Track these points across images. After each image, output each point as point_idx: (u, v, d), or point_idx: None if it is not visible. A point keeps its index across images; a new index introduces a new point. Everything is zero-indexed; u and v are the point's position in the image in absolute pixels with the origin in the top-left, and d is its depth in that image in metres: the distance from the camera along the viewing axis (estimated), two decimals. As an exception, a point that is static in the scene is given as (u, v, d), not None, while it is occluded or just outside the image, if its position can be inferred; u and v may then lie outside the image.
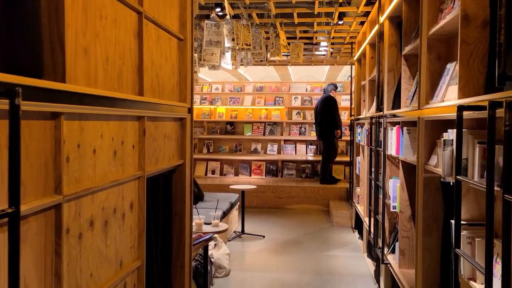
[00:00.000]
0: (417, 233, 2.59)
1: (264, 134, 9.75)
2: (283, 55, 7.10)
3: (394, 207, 3.31)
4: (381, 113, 3.91)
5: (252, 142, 9.28)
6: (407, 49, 3.14)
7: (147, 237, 2.12)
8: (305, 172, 8.37)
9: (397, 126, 3.25)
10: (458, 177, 1.75)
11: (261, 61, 6.00)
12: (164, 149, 2.44)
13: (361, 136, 5.29)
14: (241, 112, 10.27)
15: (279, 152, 9.12)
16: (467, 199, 2.04)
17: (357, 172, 5.77)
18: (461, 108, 1.74)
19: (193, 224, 3.54)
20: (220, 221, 5.20)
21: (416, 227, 2.62)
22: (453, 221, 1.92)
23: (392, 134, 3.37)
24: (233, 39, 4.34)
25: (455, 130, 1.96)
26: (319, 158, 7.98)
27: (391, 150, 3.41)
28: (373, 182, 4.17)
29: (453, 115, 2.00)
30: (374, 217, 3.98)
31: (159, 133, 2.34)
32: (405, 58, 3.25)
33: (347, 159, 8.14)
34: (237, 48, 4.89)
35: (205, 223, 3.61)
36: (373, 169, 4.27)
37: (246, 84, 10.85)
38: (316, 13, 4.83)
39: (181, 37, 2.66)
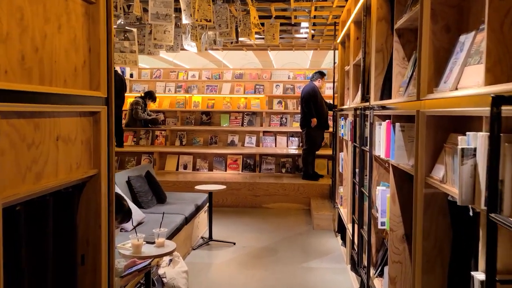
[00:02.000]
0: (414, 269, 1.91)
1: (242, 125, 9.05)
2: (258, 38, 6.37)
3: (383, 224, 2.63)
4: (367, 103, 3.22)
5: (229, 134, 8.55)
6: (400, 22, 2.43)
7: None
8: (285, 166, 7.68)
9: (387, 121, 2.55)
10: (492, 215, 1.05)
11: (231, 43, 5.25)
12: (57, 157, 1.70)
13: (345, 130, 4.60)
14: (219, 101, 9.55)
15: (257, 145, 8.41)
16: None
17: (340, 170, 5.09)
18: (499, 100, 1.03)
19: (129, 245, 2.82)
20: (184, 226, 4.50)
21: (413, 261, 1.93)
22: (477, 275, 1.23)
23: (381, 131, 2.68)
24: (191, 15, 3.60)
25: (479, 134, 1.26)
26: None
27: (380, 151, 2.72)
28: (357, 186, 3.48)
29: (474, 110, 1.30)
30: (358, 230, 3.31)
31: (44, 135, 1.61)
32: (398, 33, 2.54)
33: (330, 152, 7.47)
34: (196, 25, 4.15)
35: (148, 242, 2.89)
36: (357, 171, 3.59)
37: (225, 71, 10.10)
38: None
39: (90, -2, 1.91)
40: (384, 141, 2.59)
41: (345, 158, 4.78)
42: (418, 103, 1.88)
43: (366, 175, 3.20)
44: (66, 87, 1.76)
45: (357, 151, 3.53)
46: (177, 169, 7.81)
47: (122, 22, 3.23)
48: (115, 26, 3.21)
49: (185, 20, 3.70)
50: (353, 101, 4.25)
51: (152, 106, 9.41)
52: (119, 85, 7.74)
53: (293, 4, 4.72)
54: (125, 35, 3.30)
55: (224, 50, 9.62)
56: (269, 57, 11.61)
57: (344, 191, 4.84)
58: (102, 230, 1.99)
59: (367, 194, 2.88)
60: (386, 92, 2.91)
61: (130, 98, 8.80)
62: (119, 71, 9.49)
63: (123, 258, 2.84)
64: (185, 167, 7.81)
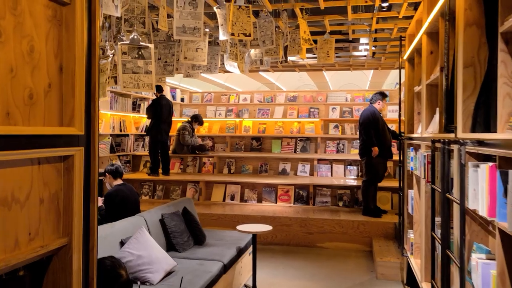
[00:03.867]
0: None
1: (295, 152, 8.38)
2: (312, 57, 5.71)
3: (486, 312, 1.83)
4: (451, 135, 2.44)
5: (281, 162, 7.89)
6: (510, 23, 1.68)
7: None
8: (342, 199, 6.86)
9: (490, 164, 1.77)
10: None
11: (280, 62, 4.63)
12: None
13: (416, 164, 3.78)
14: (270, 125, 8.99)
15: (311, 174, 7.67)
16: None
17: (409, 211, 4.24)
18: None
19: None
20: (222, 275, 3.86)
21: None
22: None
23: (479, 177, 1.90)
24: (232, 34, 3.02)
25: None
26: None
27: (476, 204, 1.94)
28: (437, 241, 2.67)
29: None
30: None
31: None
32: (505, 39, 1.78)
33: (395, 184, 6.57)
34: (236, 42, 3.58)
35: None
36: (437, 220, 2.78)
37: (278, 93, 9.54)
38: (349, -11, 3.41)
39: (61, -3, 1.36)
40: (485, 192, 1.81)
41: (415, 198, 3.94)
42: None
43: (452, 234, 2.41)
44: (10, 123, 1.19)
45: (437, 195, 2.74)
46: (224, 199, 7.23)
47: (136, 37, 2.73)
48: (126, 42, 2.71)
49: (222, 36, 3.15)
50: (427, 130, 3.45)
51: (201, 131, 9.01)
52: (166, 110, 7.40)
53: (350, 16, 4.04)
54: (139, 53, 2.78)
55: (276, 72, 9.05)
56: (325, 78, 10.91)
57: (415, 237, 3.98)
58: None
59: (458, 264, 2.07)
60: (481, 121, 2.13)
61: (179, 123, 8.42)
62: (169, 95, 9.23)
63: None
64: (232, 198, 7.21)
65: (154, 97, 7.54)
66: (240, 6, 3.09)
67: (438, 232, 2.69)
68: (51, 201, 1.35)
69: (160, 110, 7.32)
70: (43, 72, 1.32)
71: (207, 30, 3.35)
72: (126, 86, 2.71)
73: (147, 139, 8.19)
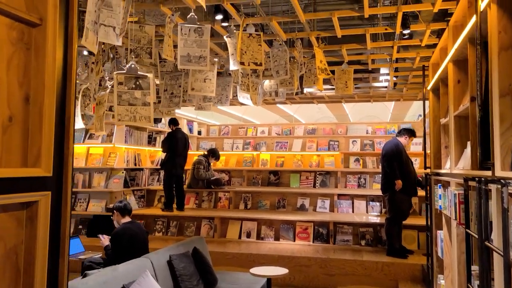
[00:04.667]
0: None
1: (314, 186, 8.07)
2: (330, 89, 5.49)
3: None
4: (487, 173, 2.14)
5: (299, 197, 7.57)
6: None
7: None
8: (365, 238, 6.46)
9: (542, 209, 1.47)
10: None
11: (296, 94, 4.41)
12: None
13: (445, 203, 3.45)
14: (289, 159, 8.73)
15: (331, 210, 7.31)
16: None
17: (439, 254, 3.87)
18: None
19: None
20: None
21: None
22: None
23: (528, 225, 1.59)
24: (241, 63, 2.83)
25: None
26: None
27: (525, 257, 1.62)
28: (476, 297, 2.33)
29: None
30: None
31: None
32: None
33: (422, 222, 6.17)
34: (248, 73, 3.39)
35: None
36: (473, 270, 2.44)
37: (297, 126, 9.33)
38: (367, 16, 3.21)
39: (29, 17, 1.17)
40: (536, 243, 1.50)
41: (446, 240, 3.58)
42: None
43: (492, 279, 2.08)
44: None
45: (473, 241, 2.41)
46: (239, 237, 6.92)
47: (133, 66, 2.55)
48: (123, 71, 2.54)
49: (232, 66, 2.97)
50: (457, 165, 3.14)
51: (218, 164, 8.81)
52: (182, 143, 7.25)
53: (369, 45, 3.83)
54: (137, 83, 2.59)
55: (294, 104, 8.87)
56: (345, 110, 10.67)
57: (446, 284, 3.60)
58: None
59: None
60: (524, 157, 1.84)
61: (195, 156, 8.25)
62: (186, 128, 9.12)
63: None
64: (248, 235, 6.89)
65: (170, 130, 7.42)
66: (250, 34, 2.92)
67: (476, 283, 2.35)
68: (7, 257, 1.12)
69: (176, 143, 7.17)
70: (2, 103, 1.12)
71: (216, 59, 3.19)
72: (121, 119, 2.52)
73: (162, 173, 8.02)
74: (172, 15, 2.62)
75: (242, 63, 2.89)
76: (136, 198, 7.71)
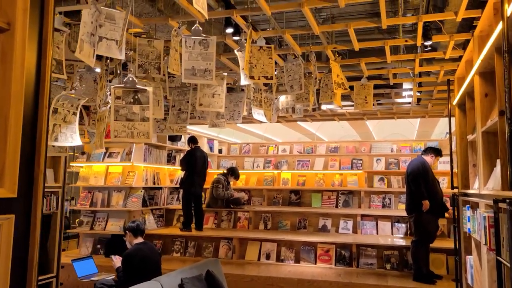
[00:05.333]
0: None
1: (336, 206, 7.82)
2: (348, 105, 5.29)
3: None
4: (520, 193, 1.91)
5: (321, 217, 7.32)
6: None
7: None
8: (390, 261, 6.15)
9: None
10: None
11: (313, 110, 4.23)
12: None
13: (474, 226, 3.19)
14: (310, 178, 8.52)
15: (354, 231, 7.03)
16: None
17: (469, 281, 3.58)
18: None
19: None
20: None
21: None
22: None
23: None
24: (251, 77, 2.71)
25: None
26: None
27: None
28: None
29: None
30: None
31: None
32: None
33: (450, 245, 5.83)
34: (260, 88, 3.26)
35: None
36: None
37: (319, 144, 9.13)
38: (384, 27, 3.04)
39: (-5, 22, 1.07)
40: None
41: (476, 266, 3.31)
42: None
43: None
44: None
45: (505, 269, 2.16)
46: (258, 258, 6.70)
47: (131, 79, 2.45)
48: (121, 85, 2.44)
49: (243, 80, 2.85)
50: (486, 186, 2.90)
51: (238, 183, 8.67)
52: (200, 161, 7.16)
53: (389, 58, 3.64)
54: (136, 97, 2.48)
55: (315, 121, 8.68)
56: (368, 128, 10.41)
57: (477, 315, 3.30)
58: None
59: None
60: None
61: (215, 175, 8.14)
62: (206, 147, 9.05)
63: None
64: (267, 257, 6.67)
65: (189, 148, 7.36)
66: (261, 47, 2.80)
67: (510, 318, 2.09)
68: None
69: (194, 162, 7.08)
70: (-40, 115, 1.01)
71: (225, 74, 3.08)
72: (118, 135, 2.41)
73: (181, 192, 7.93)
74: (179, 27, 2.53)
75: (252, 77, 2.76)
76: (155, 217, 7.62)
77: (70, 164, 8.40)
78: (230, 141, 10.39)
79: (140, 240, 4.28)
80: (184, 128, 3.71)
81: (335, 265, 6.28)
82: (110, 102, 2.41)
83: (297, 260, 6.53)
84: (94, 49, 2.02)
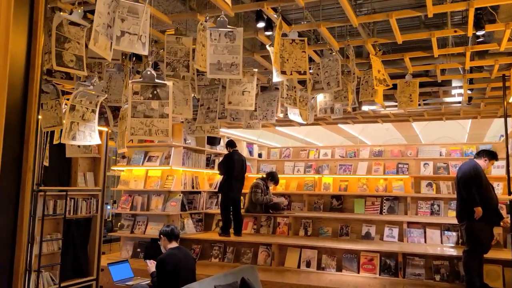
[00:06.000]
0: None
1: (381, 213, 7.48)
2: (392, 105, 4.98)
3: None
4: None
5: (364, 224, 7.00)
6: None
7: None
8: (439, 272, 5.74)
9: None
10: None
11: (353, 110, 3.95)
12: None
13: (537, 235, 2.84)
14: (353, 182, 8.22)
15: (400, 239, 6.65)
16: None
17: (531, 298, 3.20)
18: None
19: None
20: None
21: None
22: None
23: None
24: (282, 72, 2.52)
25: None
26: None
27: None
28: None
29: None
30: None
31: None
32: None
33: (507, 255, 5.37)
34: (294, 85, 3.06)
35: None
36: None
37: (362, 148, 8.81)
38: (430, 15, 2.77)
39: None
40: None
41: (539, 281, 2.94)
42: None
43: None
44: None
45: None
46: (298, 266, 6.47)
47: (149, 73, 2.30)
48: (139, 79, 2.31)
49: (276, 77, 2.68)
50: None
51: (278, 188, 8.50)
52: (239, 165, 7.04)
53: (437, 51, 3.34)
54: (155, 92, 2.34)
55: (356, 124, 8.36)
56: (415, 131, 9.93)
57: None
58: None
59: None
60: None
61: (254, 179, 8.00)
62: (246, 151, 8.94)
63: None
64: (308, 265, 6.43)
65: (227, 152, 7.27)
66: (293, 40, 2.61)
67: None
68: None
69: (232, 165, 6.98)
70: None
71: (255, 70, 2.92)
72: (135, 133, 2.29)
73: (220, 196, 7.84)
74: (206, 21, 2.40)
75: (283, 72, 2.58)
76: (194, 221, 7.58)
77: (111, 168, 8.55)
78: (270, 145, 10.24)
79: (174, 244, 4.19)
80: (216, 130, 3.59)
81: (379, 274, 5.95)
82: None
83: (339, 269, 6.24)
84: (111, 42, 1.93)
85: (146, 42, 2.14)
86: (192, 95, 3.14)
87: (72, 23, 2.06)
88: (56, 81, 2.40)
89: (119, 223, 7.51)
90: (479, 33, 3.03)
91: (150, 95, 2.26)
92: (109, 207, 9.65)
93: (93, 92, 2.32)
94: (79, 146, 2.92)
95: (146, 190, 7.16)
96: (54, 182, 5.30)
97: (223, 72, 2.40)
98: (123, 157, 7.38)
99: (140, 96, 2.25)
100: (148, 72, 2.29)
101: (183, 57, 2.81)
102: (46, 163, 3.19)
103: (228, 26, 2.37)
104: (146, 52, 2.15)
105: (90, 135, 2.26)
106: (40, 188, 5.00)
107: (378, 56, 3.16)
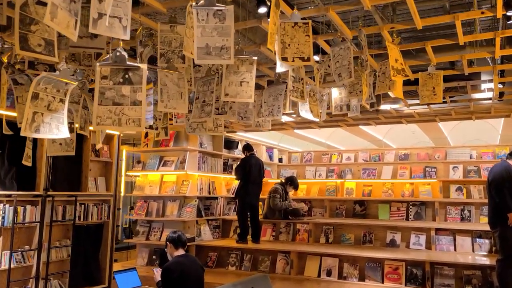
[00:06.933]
0: None
1: (407, 219, 7.09)
2: (415, 103, 4.59)
3: None
4: None
5: (388, 231, 6.61)
6: None
7: None
8: (471, 283, 5.30)
9: None
10: None
11: (371, 106, 3.63)
12: None
13: None
14: (377, 187, 7.85)
15: (428, 247, 6.23)
16: None
17: None
18: None
19: None
20: None
21: None
22: None
23: None
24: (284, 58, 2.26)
25: None
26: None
27: None
28: None
29: None
30: None
31: None
32: None
33: (547, 266, 4.90)
34: (300, 77, 2.78)
35: None
36: None
37: (386, 151, 8.43)
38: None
39: None
40: None
41: None
42: None
43: None
44: None
45: None
46: (318, 275, 6.13)
47: (119, 54, 2.02)
48: (108, 62, 2.05)
49: (279, 67, 2.42)
50: None
51: (298, 193, 8.19)
52: (256, 170, 6.79)
53: (462, 39, 3.00)
54: (126, 76, 2.08)
55: (379, 125, 7.98)
56: (443, 133, 9.44)
57: None
58: None
59: None
60: None
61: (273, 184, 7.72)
62: (265, 155, 8.68)
63: None
64: (328, 273, 6.09)
65: (244, 156, 7.03)
66: (296, 23, 2.34)
67: None
68: None
69: (249, 170, 6.73)
70: None
71: (255, 58, 2.65)
72: (101, 123, 2.02)
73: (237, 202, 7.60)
74: (197, 3, 2.15)
75: (284, 59, 2.31)
76: (210, 228, 7.35)
77: (127, 173, 8.43)
78: (291, 150, 9.94)
79: (181, 252, 3.96)
80: (221, 128, 3.33)
81: (405, 284, 5.56)
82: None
83: (362, 278, 5.88)
84: (76, 20, 1.71)
85: (127, 26, 1.92)
86: (192, 91, 2.92)
87: (40, 3, 1.86)
88: (38, 74, 2.21)
89: (135, 230, 7.36)
90: (510, 13, 2.66)
91: (121, 80, 2.01)
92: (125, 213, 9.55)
93: (60, 79, 2.10)
94: (60, 144, 2.71)
95: (161, 195, 6.98)
96: (63, 186, 5.17)
97: (212, 57, 2.14)
98: (138, 162, 7.24)
99: (109, 80, 2.01)
100: (118, 53, 2.05)
101: (178, 47, 2.59)
102: (27, 163, 3.00)
103: (217, 4, 2.12)
104: (127, 37, 1.93)
105: (57, 128, 2.03)
106: (48, 193, 4.88)
107: (395, 44, 2.85)
